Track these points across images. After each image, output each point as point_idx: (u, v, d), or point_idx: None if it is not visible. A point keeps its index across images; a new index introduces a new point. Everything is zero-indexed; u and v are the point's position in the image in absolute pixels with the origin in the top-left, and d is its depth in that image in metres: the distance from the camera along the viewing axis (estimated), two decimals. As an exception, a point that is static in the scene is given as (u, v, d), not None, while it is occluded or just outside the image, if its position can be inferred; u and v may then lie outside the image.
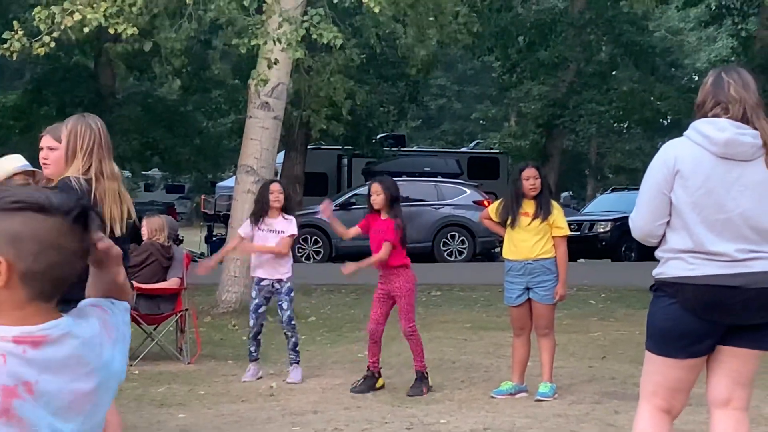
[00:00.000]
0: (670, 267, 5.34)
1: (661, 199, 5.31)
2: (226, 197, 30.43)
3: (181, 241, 14.03)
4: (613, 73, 37.28)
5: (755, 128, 5.25)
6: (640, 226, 5.44)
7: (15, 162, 7.54)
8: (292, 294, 11.02)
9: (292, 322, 10.97)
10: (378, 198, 10.24)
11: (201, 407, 9.61)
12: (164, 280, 11.91)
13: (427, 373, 10.32)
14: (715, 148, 5.19)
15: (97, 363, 2.42)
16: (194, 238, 31.66)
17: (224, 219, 27.83)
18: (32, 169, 7.42)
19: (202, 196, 39.26)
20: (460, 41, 22.03)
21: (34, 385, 2.26)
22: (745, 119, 5.27)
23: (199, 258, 24.60)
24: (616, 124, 42.31)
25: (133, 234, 6.59)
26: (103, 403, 2.44)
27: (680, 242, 5.30)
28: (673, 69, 39.98)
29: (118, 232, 6.31)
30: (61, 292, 2.40)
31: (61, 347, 2.34)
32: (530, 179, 9.87)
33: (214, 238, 29.88)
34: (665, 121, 45.07)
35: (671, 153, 5.31)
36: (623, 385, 10.37)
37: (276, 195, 10.90)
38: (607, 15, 32.82)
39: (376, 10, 14.91)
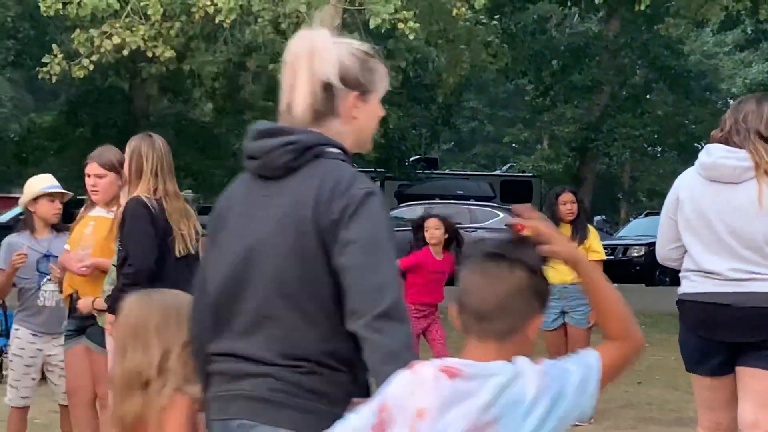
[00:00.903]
0: (681, 285, 5.62)
1: (669, 224, 5.63)
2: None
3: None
4: (648, 96, 37.17)
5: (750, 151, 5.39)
6: (657, 250, 5.82)
7: (42, 182, 7.52)
8: None
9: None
10: (437, 233, 10.11)
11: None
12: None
13: None
14: (704, 172, 5.45)
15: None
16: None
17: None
18: (61, 191, 7.42)
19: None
20: (489, 71, 22.12)
21: None
22: (737, 143, 5.43)
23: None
24: (650, 148, 42.21)
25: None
26: None
27: (688, 262, 5.55)
28: (707, 93, 39.88)
29: (183, 251, 6.31)
30: None
31: None
32: (567, 204, 9.84)
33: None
34: (699, 145, 44.87)
35: (677, 181, 5.65)
36: (660, 410, 10.31)
37: None
38: (642, 39, 32.74)
39: (411, 37, 14.94)
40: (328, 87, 3.23)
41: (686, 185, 5.57)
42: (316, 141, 3.21)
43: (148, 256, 6.09)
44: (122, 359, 3.59)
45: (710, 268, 5.41)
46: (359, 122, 3.34)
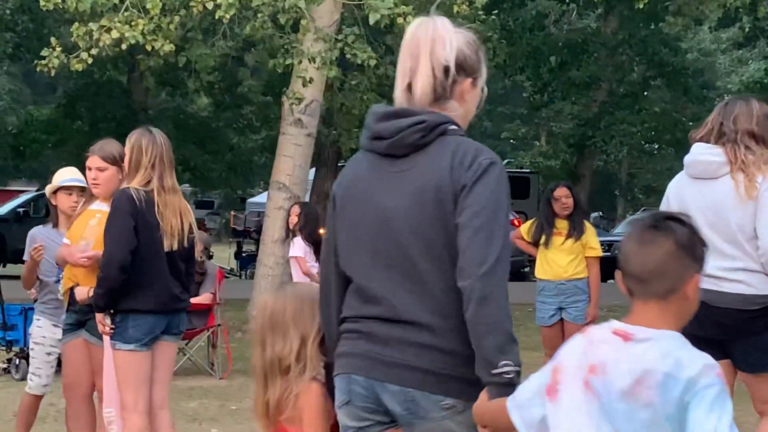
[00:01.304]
0: None
1: None
2: (256, 213, 30.51)
3: (211, 257, 14.10)
4: (645, 93, 37.19)
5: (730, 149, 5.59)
6: None
7: (62, 176, 7.53)
8: None
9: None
10: None
11: (233, 423, 9.64)
12: (197, 295, 11.93)
13: None
14: (687, 169, 5.71)
15: None
16: (223, 254, 31.74)
17: (254, 235, 27.91)
18: (78, 184, 7.39)
19: (232, 212, 39.36)
20: (488, 66, 22.14)
21: None
22: (719, 142, 5.64)
23: (229, 274, 24.71)
24: (647, 145, 42.20)
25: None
26: None
27: None
28: (705, 90, 39.85)
29: (175, 246, 6.34)
30: None
31: None
32: (562, 198, 9.88)
33: (243, 254, 29.93)
34: (696, 142, 44.92)
35: (671, 182, 5.90)
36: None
37: (293, 218, 11.06)
38: (640, 35, 32.74)
39: (410, 30, 14.95)
40: (447, 71, 3.53)
41: (675, 185, 5.80)
42: (441, 120, 3.52)
43: (120, 249, 6.15)
44: (263, 351, 3.97)
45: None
46: (467, 105, 3.66)
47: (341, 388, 3.59)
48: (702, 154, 5.64)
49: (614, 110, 33.18)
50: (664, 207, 5.78)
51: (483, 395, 3.32)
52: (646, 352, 2.96)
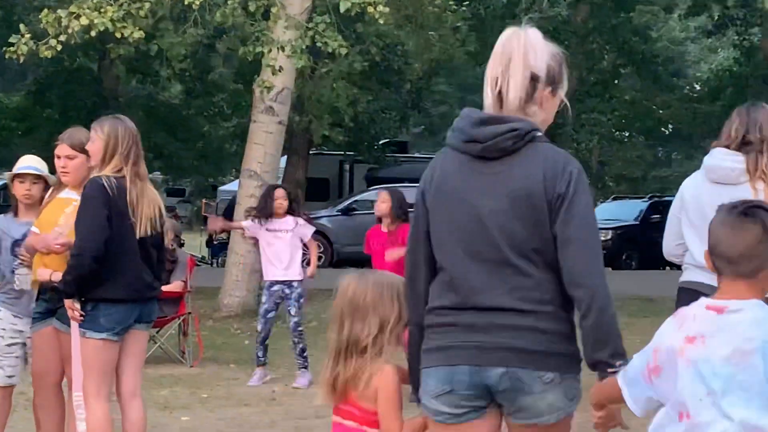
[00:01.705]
0: (681, 276, 6.13)
1: (674, 222, 6.08)
2: (228, 201, 30.45)
3: (183, 244, 14.08)
4: (616, 81, 37.30)
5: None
6: (664, 246, 6.24)
7: (20, 162, 7.38)
8: (301, 300, 11.06)
9: (300, 329, 11.02)
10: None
11: (204, 411, 9.65)
12: (168, 283, 11.91)
13: None
14: (708, 174, 5.87)
15: None
16: (195, 242, 31.69)
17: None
18: (36, 173, 7.24)
19: (203, 200, 39.27)
20: (457, 56, 22.24)
21: None
22: (743, 149, 5.80)
23: (200, 262, 24.66)
24: (617, 133, 42.33)
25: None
26: None
27: (688, 257, 6.02)
28: (675, 78, 40.01)
29: (148, 232, 6.34)
30: None
31: None
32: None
33: (215, 242, 29.87)
34: (667, 130, 45.12)
35: (684, 182, 6.08)
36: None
37: (280, 202, 10.96)
38: (610, 24, 32.84)
39: (381, 21, 14.96)
40: (535, 78, 3.89)
41: (692, 185, 5.97)
42: (530, 128, 3.89)
43: (93, 238, 6.13)
44: (340, 329, 4.27)
45: (703, 262, 5.65)
46: (546, 112, 4.02)
47: (442, 378, 3.87)
48: (724, 160, 5.80)
49: (585, 98, 33.26)
50: (677, 205, 5.99)
51: (597, 382, 3.79)
52: (741, 322, 3.36)
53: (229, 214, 18.96)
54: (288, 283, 10.91)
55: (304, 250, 11.30)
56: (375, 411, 4.21)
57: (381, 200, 10.33)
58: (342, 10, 14.72)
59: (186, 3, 14.78)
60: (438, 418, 3.92)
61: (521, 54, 3.87)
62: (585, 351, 3.82)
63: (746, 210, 3.46)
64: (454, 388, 3.85)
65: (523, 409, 3.84)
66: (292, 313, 10.95)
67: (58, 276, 6.43)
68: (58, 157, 6.81)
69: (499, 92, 3.91)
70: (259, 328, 11.09)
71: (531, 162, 3.84)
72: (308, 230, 11.11)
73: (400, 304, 4.19)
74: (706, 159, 5.89)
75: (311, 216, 27.76)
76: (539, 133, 3.91)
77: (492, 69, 3.93)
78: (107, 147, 6.30)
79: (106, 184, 6.18)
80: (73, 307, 6.27)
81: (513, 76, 3.87)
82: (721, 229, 3.50)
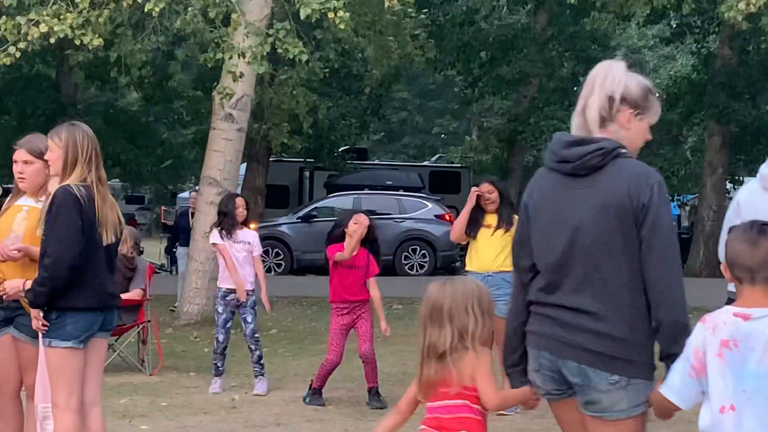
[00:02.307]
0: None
1: (730, 227, 6.18)
2: (187, 208, 30.33)
3: (142, 252, 14.02)
4: (575, 89, 37.43)
5: None
6: (720, 250, 6.43)
7: None
8: (256, 307, 11.07)
9: (256, 335, 11.01)
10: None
11: (163, 419, 9.61)
12: (127, 291, 11.85)
13: None
14: (762, 182, 6.09)
15: None
16: (154, 249, 31.55)
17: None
18: None
19: (162, 207, 39.10)
20: (416, 63, 22.30)
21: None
22: None
23: (160, 269, 24.56)
24: (576, 140, 42.50)
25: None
26: None
27: None
28: (633, 86, 40.20)
29: (113, 239, 6.32)
30: None
31: None
32: (485, 194, 9.95)
33: (174, 250, 29.71)
34: (625, 137, 45.27)
35: (740, 189, 6.35)
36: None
37: (241, 210, 10.98)
38: (569, 31, 33.00)
39: (342, 27, 14.97)
40: (611, 99, 4.46)
41: (747, 193, 6.17)
42: (615, 146, 4.42)
43: (69, 249, 6.09)
44: (423, 335, 4.72)
45: None
46: (631, 133, 4.53)
47: (533, 357, 4.55)
48: None
49: (544, 105, 33.40)
50: (732, 211, 6.12)
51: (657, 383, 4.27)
52: (766, 327, 3.99)
53: (185, 222, 18.86)
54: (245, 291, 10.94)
55: None
56: (473, 387, 4.65)
57: (360, 223, 10.22)
58: (303, 16, 14.72)
59: (146, 10, 14.73)
60: (539, 391, 4.60)
61: (602, 78, 4.48)
62: (660, 346, 4.30)
63: (761, 229, 4.13)
64: (539, 368, 4.51)
65: (591, 403, 4.38)
66: (249, 320, 10.94)
67: (28, 285, 6.37)
68: (16, 162, 6.79)
69: (584, 114, 4.51)
70: (220, 338, 11.02)
71: (616, 176, 4.36)
72: (259, 246, 11.20)
73: (476, 313, 4.68)
74: (762, 167, 6.07)
75: (271, 223, 27.80)
76: (623, 150, 4.43)
77: (582, 91, 4.54)
78: (67, 155, 6.26)
79: (77, 193, 6.15)
80: (38, 317, 6.23)
81: (593, 97, 4.46)
82: (740, 244, 4.13)
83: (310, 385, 10.40)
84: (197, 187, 19.05)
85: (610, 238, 4.33)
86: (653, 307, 4.29)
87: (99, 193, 6.26)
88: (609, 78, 4.47)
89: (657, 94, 4.62)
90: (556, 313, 4.44)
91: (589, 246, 4.36)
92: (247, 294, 10.94)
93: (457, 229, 10.17)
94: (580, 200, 4.41)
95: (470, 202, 10.00)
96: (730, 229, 4.28)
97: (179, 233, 19.24)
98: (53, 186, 6.37)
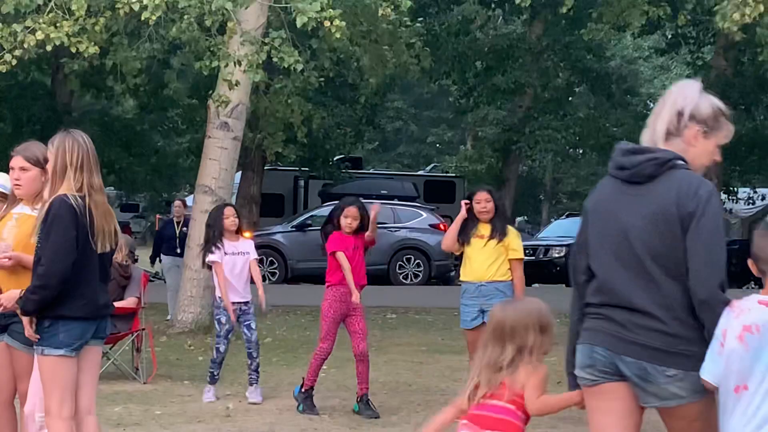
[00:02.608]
0: None
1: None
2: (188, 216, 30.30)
3: (136, 260, 14.01)
4: (570, 99, 37.51)
5: None
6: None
7: None
8: (255, 316, 11.11)
9: (259, 343, 11.06)
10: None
11: (157, 427, 9.60)
12: (121, 299, 11.86)
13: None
14: None
15: None
16: (148, 257, 31.48)
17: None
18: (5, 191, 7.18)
19: (157, 216, 39.09)
20: (411, 72, 22.31)
21: None
22: None
23: (154, 277, 24.54)
24: (571, 150, 42.57)
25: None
26: None
27: None
28: (628, 96, 40.28)
29: (107, 248, 6.32)
30: None
31: None
32: (482, 203, 9.94)
33: (158, 259, 29.63)
34: (620, 148, 45.27)
35: None
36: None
37: (231, 219, 10.98)
38: (564, 41, 33.04)
39: (338, 35, 14.98)
40: (680, 115, 4.75)
41: None
42: (670, 156, 4.73)
43: (62, 260, 6.09)
44: (484, 349, 5.13)
45: None
46: (696, 150, 4.82)
47: (585, 353, 4.82)
48: None
49: (539, 115, 33.43)
50: None
51: None
52: None
53: (169, 231, 18.76)
54: (245, 300, 10.96)
55: None
56: (520, 393, 5.03)
57: (353, 217, 10.34)
58: (299, 24, 14.72)
59: (142, 19, 14.73)
60: (582, 382, 4.87)
61: (674, 95, 4.78)
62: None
63: None
64: (593, 363, 4.78)
65: (649, 395, 4.68)
66: (253, 327, 10.96)
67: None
68: (12, 169, 6.79)
69: (653, 127, 4.81)
70: (221, 349, 10.99)
71: (667, 185, 4.66)
72: (253, 250, 11.19)
73: (536, 332, 5.07)
74: None
75: (266, 232, 27.78)
76: (680, 162, 4.72)
77: (653, 111, 4.86)
78: (56, 161, 6.27)
79: (73, 203, 6.15)
80: (30, 325, 6.23)
81: (662, 112, 4.77)
82: (763, 239, 4.48)
83: (302, 385, 10.37)
84: (185, 195, 19.00)
85: (659, 243, 4.63)
86: (696, 305, 4.57)
87: (93, 200, 6.25)
88: (681, 95, 4.77)
89: (727, 116, 4.86)
90: (611, 312, 4.74)
91: (639, 250, 4.67)
92: (247, 303, 10.97)
93: (448, 239, 10.18)
94: (633, 206, 4.73)
95: (462, 215, 10.02)
96: (756, 227, 4.61)
97: (163, 242, 19.00)
98: (48, 194, 6.36)
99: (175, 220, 18.62)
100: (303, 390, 10.36)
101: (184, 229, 18.01)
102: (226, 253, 10.90)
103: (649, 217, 4.67)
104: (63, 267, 6.09)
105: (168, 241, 18.51)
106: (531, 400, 5.02)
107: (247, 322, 10.97)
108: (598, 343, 4.76)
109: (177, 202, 19.27)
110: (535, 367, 5.05)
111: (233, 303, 10.87)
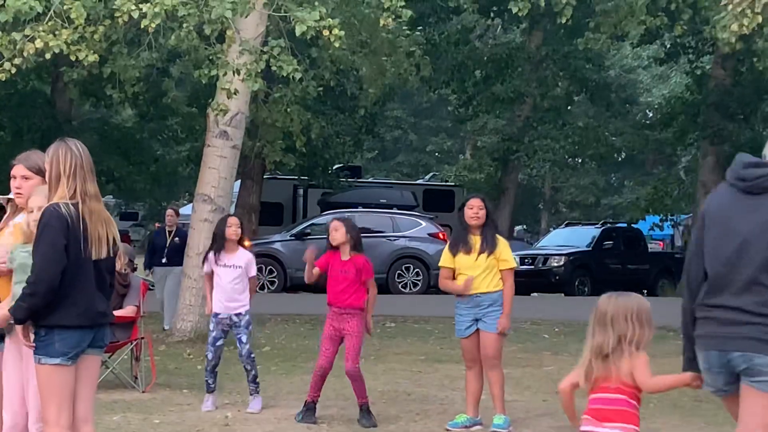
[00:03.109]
0: None
1: None
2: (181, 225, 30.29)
3: (135, 269, 14.00)
4: (569, 108, 37.54)
5: None
6: None
7: None
8: (250, 327, 11.03)
9: (252, 356, 10.97)
10: (337, 234, 10.32)
11: (156, 436, 9.59)
12: (120, 307, 11.85)
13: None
14: None
15: None
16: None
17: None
18: (6, 196, 7.23)
19: (156, 224, 39.02)
20: (411, 81, 22.33)
21: None
22: None
23: (153, 286, 24.51)
24: (570, 159, 42.59)
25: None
26: None
27: None
28: (627, 105, 40.33)
29: (103, 254, 6.31)
30: None
31: None
32: (474, 209, 9.90)
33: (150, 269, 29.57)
34: (619, 157, 45.43)
35: None
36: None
37: (234, 228, 10.95)
38: (563, 51, 33.08)
39: (337, 45, 15.00)
40: None
41: None
42: None
43: (50, 268, 6.09)
44: (592, 336, 5.54)
45: None
46: None
47: (703, 358, 5.33)
48: None
49: (538, 125, 33.46)
50: None
51: None
52: None
53: (160, 241, 18.70)
54: (236, 312, 10.91)
55: None
56: (630, 383, 5.40)
57: (333, 228, 10.37)
58: (298, 33, 14.73)
59: (141, 27, 14.75)
60: (708, 388, 5.40)
61: None
62: None
63: None
64: (710, 367, 5.30)
65: (759, 381, 5.14)
66: (243, 341, 10.89)
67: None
68: (14, 177, 6.80)
69: None
70: (209, 356, 11.00)
71: None
72: (254, 268, 11.17)
73: (634, 323, 5.41)
74: None
75: (265, 240, 27.77)
76: None
77: None
78: (50, 170, 6.28)
79: (64, 211, 6.15)
80: (25, 335, 6.23)
81: None
82: None
83: (306, 402, 10.37)
84: (184, 204, 18.96)
85: None
86: None
87: (87, 207, 6.25)
88: None
89: None
90: (718, 313, 5.22)
91: (753, 257, 5.14)
92: (240, 314, 10.92)
93: (445, 286, 10.24)
94: (749, 216, 5.19)
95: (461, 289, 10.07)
96: None
97: (155, 251, 18.84)
98: (34, 201, 6.40)
99: (167, 229, 18.55)
100: (304, 403, 10.35)
101: (176, 239, 17.96)
102: (218, 264, 10.89)
103: (763, 227, 5.14)
104: (51, 275, 6.09)
105: (160, 251, 18.42)
106: (645, 379, 5.38)
107: (238, 336, 10.94)
108: (711, 348, 5.27)
109: (169, 211, 19.11)
110: (633, 356, 5.39)
111: (219, 313, 10.87)
